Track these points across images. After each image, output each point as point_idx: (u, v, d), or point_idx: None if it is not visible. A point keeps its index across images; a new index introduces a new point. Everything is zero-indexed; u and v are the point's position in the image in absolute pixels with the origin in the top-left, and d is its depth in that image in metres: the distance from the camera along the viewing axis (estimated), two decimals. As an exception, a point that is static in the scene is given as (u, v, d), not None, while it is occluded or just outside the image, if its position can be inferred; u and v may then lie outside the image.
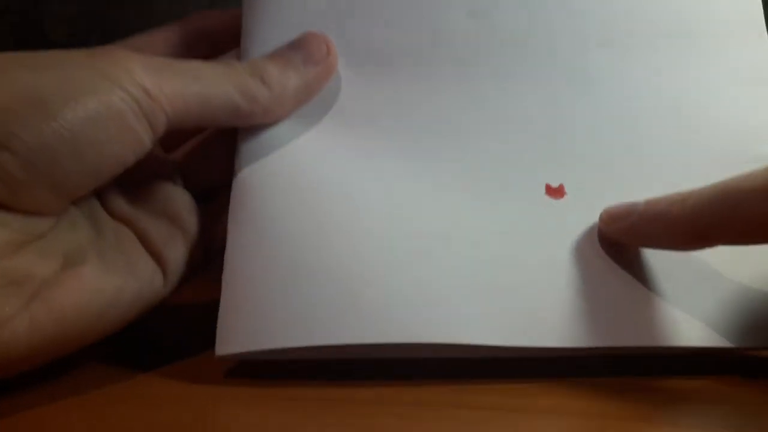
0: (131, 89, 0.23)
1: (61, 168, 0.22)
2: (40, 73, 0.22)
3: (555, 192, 0.29)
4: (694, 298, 0.27)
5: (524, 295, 0.26)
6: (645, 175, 0.29)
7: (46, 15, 0.55)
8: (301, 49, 0.28)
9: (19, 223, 0.22)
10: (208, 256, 0.28)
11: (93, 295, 0.23)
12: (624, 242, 0.27)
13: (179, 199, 0.28)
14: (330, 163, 0.28)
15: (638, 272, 0.27)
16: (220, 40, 0.30)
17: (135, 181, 0.27)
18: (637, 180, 0.29)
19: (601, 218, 0.28)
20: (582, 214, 0.28)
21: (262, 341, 0.25)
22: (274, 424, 0.22)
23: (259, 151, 0.28)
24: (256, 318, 0.25)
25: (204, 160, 0.30)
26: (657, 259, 0.27)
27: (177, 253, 0.26)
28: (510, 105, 0.29)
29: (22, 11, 0.57)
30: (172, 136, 0.29)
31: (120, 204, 0.27)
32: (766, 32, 0.32)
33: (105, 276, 0.24)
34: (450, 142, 0.29)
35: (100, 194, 0.26)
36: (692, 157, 0.29)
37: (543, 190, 0.29)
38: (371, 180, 0.28)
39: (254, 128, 0.28)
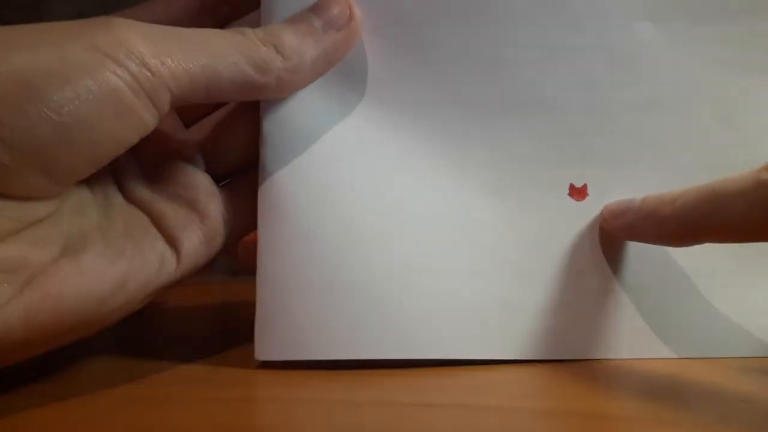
0: (128, 64, 0.22)
1: (52, 152, 0.21)
2: (27, 51, 0.21)
3: (578, 193, 0.28)
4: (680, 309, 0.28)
5: (544, 307, 0.27)
6: (673, 175, 0.28)
7: (45, 17, 0.55)
8: (322, 12, 0.26)
9: (11, 209, 0.21)
10: (228, 241, 0.27)
11: (93, 281, 0.22)
12: (622, 239, 0.27)
13: (199, 182, 0.27)
14: (359, 157, 0.27)
15: (636, 280, 0.28)
16: (243, 2, 0.29)
17: (154, 164, 0.27)
18: (664, 181, 0.28)
19: (602, 215, 0.28)
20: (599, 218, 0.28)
21: (303, 352, 0.26)
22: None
23: (286, 141, 0.27)
24: (294, 328, 0.26)
25: (226, 141, 0.28)
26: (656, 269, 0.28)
27: (193, 238, 0.26)
28: (545, 87, 0.28)
29: (22, 12, 0.57)
30: (192, 108, 0.28)
31: (137, 187, 0.26)
32: None
33: (108, 262, 0.23)
34: (478, 131, 0.28)
35: (116, 175, 0.26)
36: (730, 157, 0.28)
37: (566, 190, 0.28)
38: (400, 177, 0.27)
39: (279, 112, 0.27)
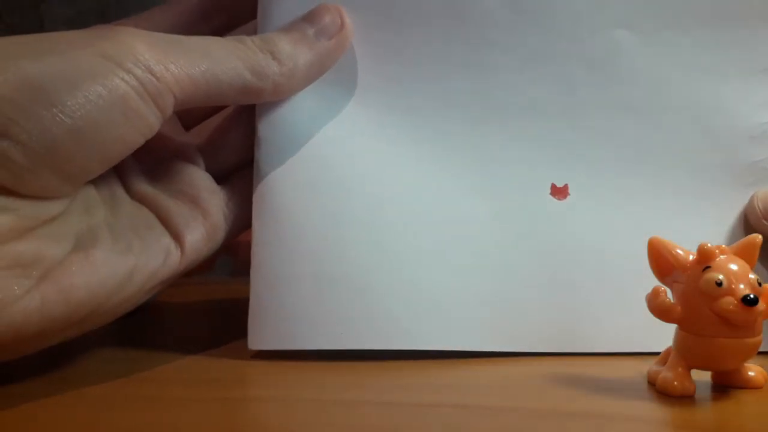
0: (135, 70, 0.23)
1: (65, 153, 0.22)
2: (41, 59, 0.22)
3: (559, 192, 0.29)
4: None
5: (526, 301, 0.28)
6: (652, 176, 0.29)
7: (45, 16, 0.55)
8: (315, 21, 0.28)
9: (27, 208, 0.22)
10: (229, 236, 0.28)
11: (104, 275, 0.23)
12: None
13: (200, 180, 0.28)
14: (349, 157, 0.28)
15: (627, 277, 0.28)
16: (240, 11, 0.30)
17: (156, 163, 0.28)
18: (642, 182, 0.29)
19: (755, 205, 0.28)
20: (582, 216, 0.28)
21: (293, 342, 0.27)
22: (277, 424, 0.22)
23: (279, 143, 0.28)
24: (285, 319, 0.27)
25: (224, 142, 0.30)
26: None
27: (196, 233, 0.27)
28: (527, 91, 0.29)
29: (22, 12, 0.57)
30: (191, 112, 0.30)
31: (141, 185, 0.27)
32: None
33: (117, 257, 0.24)
34: (462, 133, 0.29)
35: (121, 175, 0.27)
36: (705, 159, 0.29)
37: (548, 189, 0.29)
38: (388, 176, 0.28)
39: (273, 116, 0.28)
